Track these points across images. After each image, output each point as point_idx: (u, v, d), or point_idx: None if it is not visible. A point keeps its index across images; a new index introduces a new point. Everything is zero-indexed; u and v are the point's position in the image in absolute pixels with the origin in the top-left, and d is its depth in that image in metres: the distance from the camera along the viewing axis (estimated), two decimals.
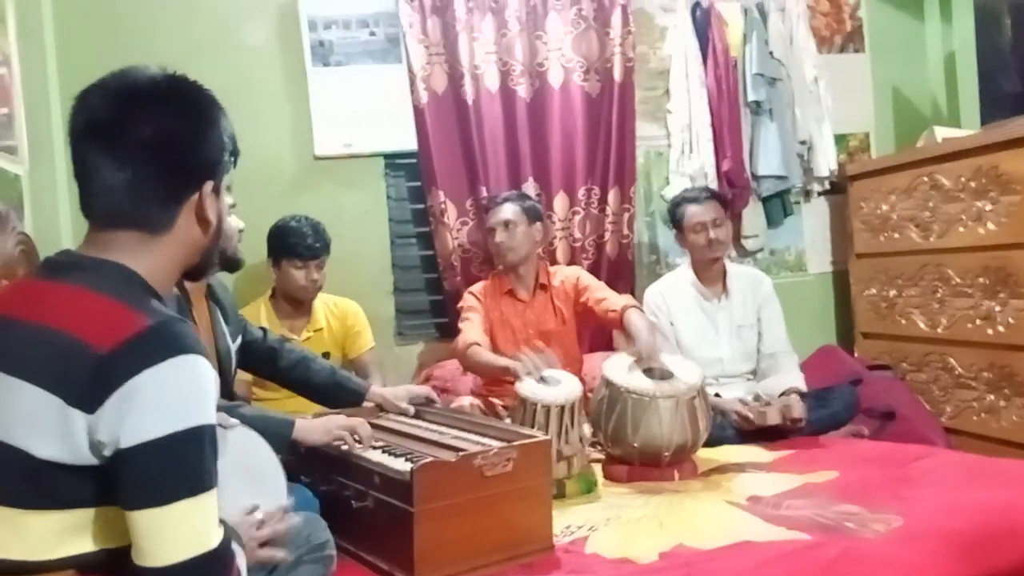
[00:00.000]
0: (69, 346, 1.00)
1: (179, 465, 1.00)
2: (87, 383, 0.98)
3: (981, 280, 3.01)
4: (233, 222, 2.04)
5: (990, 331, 2.99)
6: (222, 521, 1.09)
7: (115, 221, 1.12)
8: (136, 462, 0.99)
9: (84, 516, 1.03)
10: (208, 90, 1.18)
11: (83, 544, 1.03)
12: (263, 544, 1.32)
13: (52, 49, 2.95)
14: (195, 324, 1.89)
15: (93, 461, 1.00)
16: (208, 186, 1.15)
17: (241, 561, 1.10)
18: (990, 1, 3.44)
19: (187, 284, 1.93)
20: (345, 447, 1.92)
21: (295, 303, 2.94)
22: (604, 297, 2.80)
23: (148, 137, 1.09)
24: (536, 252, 2.98)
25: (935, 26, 3.93)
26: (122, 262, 1.10)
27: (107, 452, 1.00)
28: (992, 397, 3.03)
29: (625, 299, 2.76)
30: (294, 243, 2.84)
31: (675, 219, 3.06)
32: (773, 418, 2.67)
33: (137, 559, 1.00)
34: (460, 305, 2.97)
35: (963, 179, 3.06)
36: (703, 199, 3.00)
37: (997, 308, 2.96)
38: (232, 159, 1.23)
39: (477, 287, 3.00)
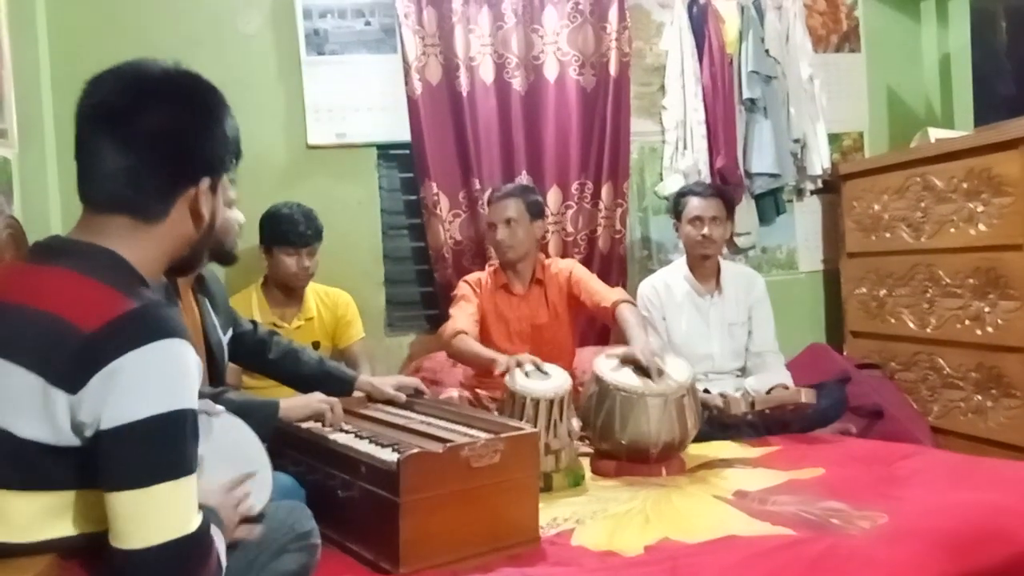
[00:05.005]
0: (54, 326, 1.00)
1: (160, 448, 1.00)
2: (70, 363, 0.99)
3: (971, 281, 3.02)
4: (234, 216, 2.03)
5: (979, 332, 3.00)
6: (202, 505, 1.08)
7: (111, 206, 1.12)
8: (117, 444, 0.99)
9: (65, 499, 1.03)
10: (218, 90, 1.20)
11: (64, 527, 1.03)
12: (242, 521, 1.32)
13: (44, 33, 2.92)
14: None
15: (75, 442, 1.00)
16: (206, 182, 1.16)
17: (220, 545, 1.10)
18: (986, 4, 3.44)
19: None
20: (329, 421, 2.00)
21: (287, 291, 2.93)
22: (596, 291, 2.79)
23: (155, 126, 1.11)
24: (535, 248, 2.97)
25: (931, 28, 3.93)
26: (112, 248, 1.10)
27: (88, 433, 1.00)
28: (979, 397, 3.04)
29: (617, 293, 2.75)
30: (286, 230, 2.83)
31: (676, 209, 3.08)
32: (736, 408, 2.67)
33: (114, 541, 1.00)
34: (454, 292, 2.97)
35: (955, 180, 3.06)
36: (707, 194, 3.02)
37: (986, 309, 2.97)
38: (235, 159, 1.24)
39: (473, 277, 2.99)
